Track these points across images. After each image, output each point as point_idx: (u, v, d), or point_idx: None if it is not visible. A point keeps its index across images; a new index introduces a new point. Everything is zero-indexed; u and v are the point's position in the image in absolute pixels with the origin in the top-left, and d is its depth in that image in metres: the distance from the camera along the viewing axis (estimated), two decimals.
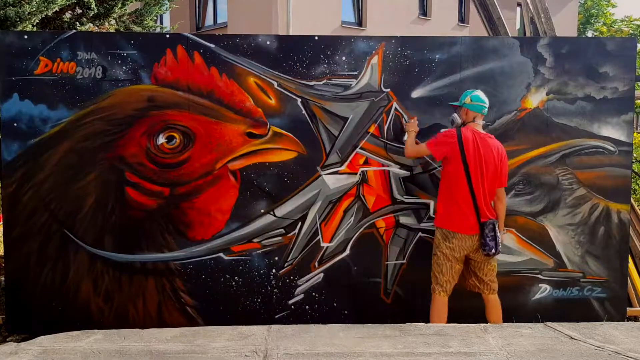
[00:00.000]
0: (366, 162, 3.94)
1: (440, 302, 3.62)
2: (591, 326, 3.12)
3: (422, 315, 3.89)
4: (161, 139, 3.83)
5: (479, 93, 3.70)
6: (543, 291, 4.07)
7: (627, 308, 4.22)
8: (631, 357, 2.66)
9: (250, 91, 3.85)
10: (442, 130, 3.81)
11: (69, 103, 3.78)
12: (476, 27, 16.09)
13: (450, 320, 3.55)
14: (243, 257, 3.94)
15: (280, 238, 3.94)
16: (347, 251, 3.98)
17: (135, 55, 3.80)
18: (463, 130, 3.59)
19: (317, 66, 3.88)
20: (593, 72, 3.98)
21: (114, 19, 6.64)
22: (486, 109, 3.70)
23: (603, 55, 3.99)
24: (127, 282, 3.89)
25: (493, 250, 3.54)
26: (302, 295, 3.98)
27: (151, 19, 7.24)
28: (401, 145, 3.94)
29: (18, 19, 5.19)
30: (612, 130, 4.01)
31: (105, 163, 3.82)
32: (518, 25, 18.62)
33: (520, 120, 3.98)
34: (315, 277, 3.98)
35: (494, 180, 3.60)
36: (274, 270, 3.95)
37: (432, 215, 3.98)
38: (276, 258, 3.95)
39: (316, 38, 3.91)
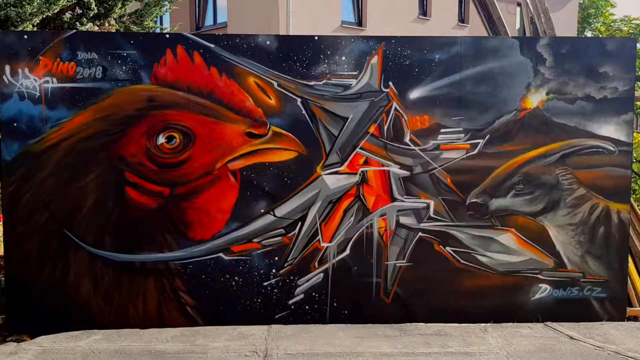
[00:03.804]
0: (366, 162, 3.94)
1: None
2: (591, 326, 3.13)
3: (422, 315, 3.90)
4: (161, 139, 3.83)
5: None
6: (543, 291, 4.06)
7: (627, 308, 4.21)
8: (631, 357, 2.66)
9: (250, 91, 3.85)
10: (442, 130, 3.84)
11: (69, 103, 3.78)
12: (476, 27, 16.08)
13: (451, 320, 3.55)
14: (243, 257, 3.94)
15: (280, 238, 3.94)
16: (347, 251, 3.98)
17: (135, 55, 3.80)
18: None
19: (317, 66, 3.88)
20: (593, 72, 3.98)
21: (114, 19, 6.64)
22: None
23: (603, 55, 3.99)
24: (127, 282, 3.88)
25: None
26: (302, 295, 3.98)
27: (151, 20, 7.24)
28: (401, 145, 3.94)
29: (19, 20, 5.19)
30: (612, 130, 4.01)
31: (105, 163, 3.81)
32: (518, 25, 18.62)
33: (520, 120, 3.98)
34: (315, 277, 3.98)
35: None
36: (274, 270, 3.95)
37: (432, 215, 3.98)
38: (276, 258, 3.95)
39: (316, 38, 3.91)
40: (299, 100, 3.88)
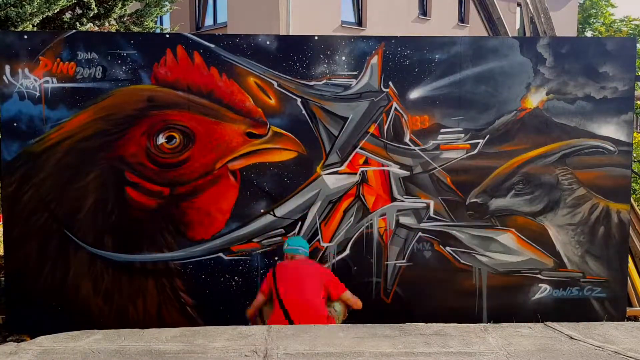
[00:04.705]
0: (366, 162, 3.94)
1: None
2: (591, 326, 3.11)
3: (422, 315, 3.89)
4: (161, 139, 3.83)
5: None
6: (543, 291, 4.06)
7: (627, 308, 4.21)
8: (631, 357, 2.65)
9: (250, 91, 3.85)
10: (442, 130, 3.83)
11: (69, 103, 3.78)
12: (476, 27, 16.08)
13: (451, 320, 3.55)
14: (243, 257, 3.94)
15: (280, 238, 3.94)
16: (347, 251, 3.98)
17: (135, 55, 3.80)
18: None
19: (317, 66, 3.88)
20: (593, 72, 3.98)
21: (114, 19, 6.64)
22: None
23: (603, 55, 3.99)
24: (127, 282, 3.88)
25: None
26: None
27: (151, 20, 7.23)
28: (401, 145, 3.94)
29: (19, 20, 5.19)
30: (612, 130, 4.01)
31: (105, 163, 3.82)
32: (518, 25, 18.62)
33: (520, 120, 3.98)
34: None
35: None
36: None
37: (432, 215, 3.98)
38: (276, 258, 3.95)
39: (316, 38, 3.91)
40: (299, 100, 3.88)
